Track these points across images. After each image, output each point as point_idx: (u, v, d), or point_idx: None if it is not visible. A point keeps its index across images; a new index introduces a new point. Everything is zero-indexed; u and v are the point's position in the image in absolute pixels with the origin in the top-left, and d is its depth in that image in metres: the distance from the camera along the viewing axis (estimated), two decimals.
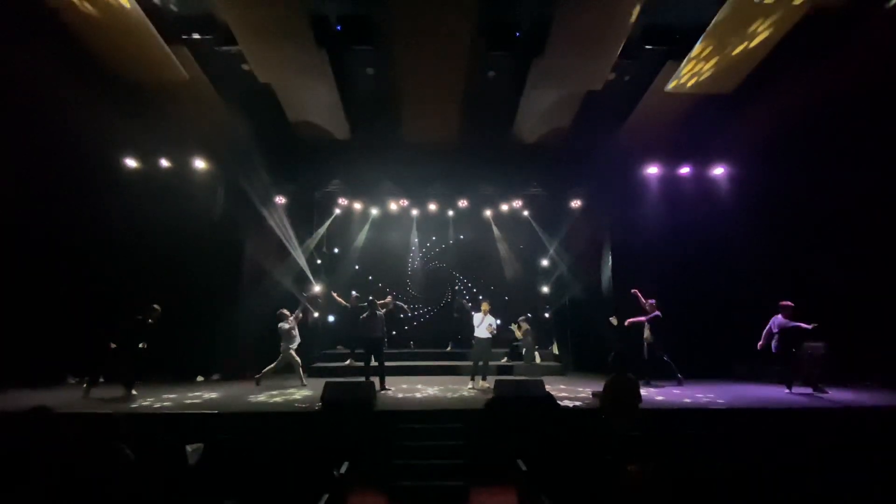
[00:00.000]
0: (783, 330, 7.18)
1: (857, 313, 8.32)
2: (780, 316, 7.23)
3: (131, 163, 9.28)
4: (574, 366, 10.35)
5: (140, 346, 7.02)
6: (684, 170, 10.03)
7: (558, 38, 6.95)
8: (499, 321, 8.35)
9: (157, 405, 6.20)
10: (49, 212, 8.66)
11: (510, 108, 8.82)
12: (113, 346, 6.98)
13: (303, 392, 7.31)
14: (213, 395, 7.01)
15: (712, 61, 7.40)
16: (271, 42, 6.99)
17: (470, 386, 7.76)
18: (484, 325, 7.73)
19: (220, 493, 3.14)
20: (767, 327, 7.40)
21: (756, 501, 3.22)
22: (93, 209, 9.06)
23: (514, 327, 10.15)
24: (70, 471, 3.02)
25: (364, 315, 7.78)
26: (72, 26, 6.79)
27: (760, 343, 7.46)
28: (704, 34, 6.82)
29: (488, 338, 7.76)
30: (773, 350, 7.30)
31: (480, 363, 7.88)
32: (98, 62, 7.42)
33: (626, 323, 8.28)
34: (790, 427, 5.72)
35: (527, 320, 10.17)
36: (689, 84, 7.88)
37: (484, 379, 7.88)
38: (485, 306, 7.93)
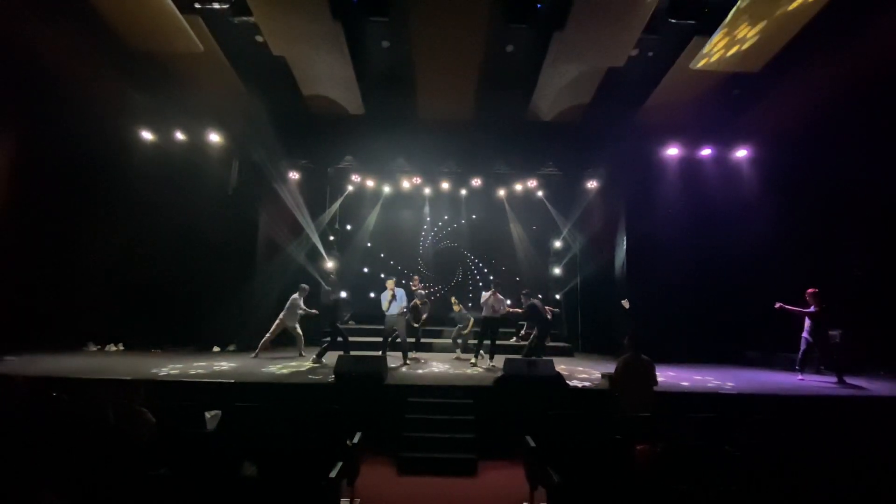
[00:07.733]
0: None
1: (876, 303, 8.16)
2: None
3: (147, 135, 9.34)
4: (583, 347, 10.37)
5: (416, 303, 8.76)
6: (705, 152, 9.75)
7: (581, 11, 6.69)
8: (509, 301, 8.36)
9: (175, 373, 6.39)
10: (62, 183, 8.79)
11: (528, 84, 8.57)
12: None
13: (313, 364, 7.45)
14: (230, 364, 7.18)
15: (740, 35, 7.05)
16: (286, 12, 6.85)
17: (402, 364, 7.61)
18: (395, 301, 7.75)
19: (239, 458, 3.25)
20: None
21: (762, 484, 3.22)
22: (108, 180, 9.19)
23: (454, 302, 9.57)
24: (100, 431, 3.15)
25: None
26: None
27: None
28: (736, 6, 6.49)
29: (395, 314, 7.75)
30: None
31: (391, 339, 7.98)
32: (112, 32, 7.35)
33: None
34: (799, 412, 5.70)
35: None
36: (715, 60, 7.55)
37: (405, 356, 7.81)
38: (389, 283, 7.92)
